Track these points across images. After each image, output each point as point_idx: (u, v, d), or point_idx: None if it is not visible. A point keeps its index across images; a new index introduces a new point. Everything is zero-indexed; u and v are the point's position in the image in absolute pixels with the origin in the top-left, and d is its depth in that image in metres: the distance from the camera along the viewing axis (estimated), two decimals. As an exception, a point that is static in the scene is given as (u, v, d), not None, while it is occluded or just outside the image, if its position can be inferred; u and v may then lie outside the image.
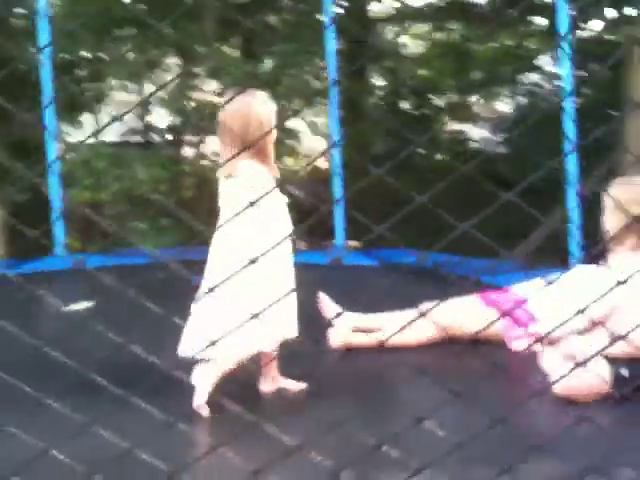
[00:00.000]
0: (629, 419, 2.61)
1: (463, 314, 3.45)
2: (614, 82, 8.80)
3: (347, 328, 3.42)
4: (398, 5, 10.70)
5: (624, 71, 7.04)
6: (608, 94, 8.28)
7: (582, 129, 4.61)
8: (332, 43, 5.23)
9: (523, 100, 10.67)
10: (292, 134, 8.32)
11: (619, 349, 2.83)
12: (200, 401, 2.62)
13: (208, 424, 2.56)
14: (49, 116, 5.58)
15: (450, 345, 3.29)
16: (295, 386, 2.85)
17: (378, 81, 10.62)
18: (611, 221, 3.05)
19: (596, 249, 5.32)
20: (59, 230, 5.44)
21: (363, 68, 9.94)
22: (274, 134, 2.60)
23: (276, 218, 2.56)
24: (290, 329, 2.70)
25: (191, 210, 6.28)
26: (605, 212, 3.08)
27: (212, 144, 9.23)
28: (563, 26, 4.63)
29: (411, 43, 11.19)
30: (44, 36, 5.29)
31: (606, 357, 2.84)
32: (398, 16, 10.81)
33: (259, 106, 2.52)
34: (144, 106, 7.35)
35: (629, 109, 6.67)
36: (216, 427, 2.53)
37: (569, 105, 4.60)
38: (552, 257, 4.77)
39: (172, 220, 6.11)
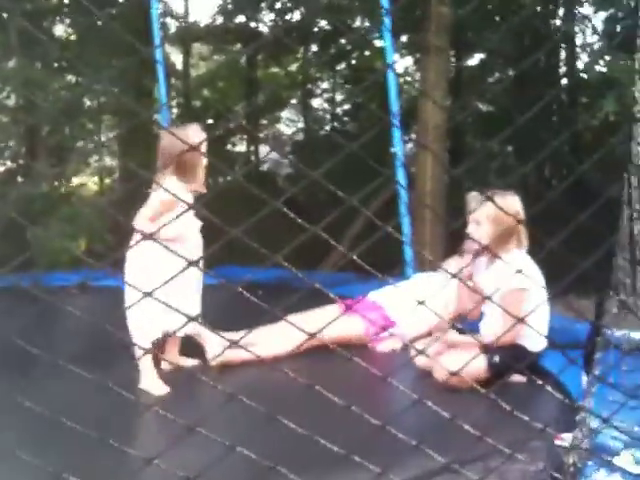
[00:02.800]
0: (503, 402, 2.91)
1: (327, 322, 3.63)
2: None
3: (222, 346, 3.46)
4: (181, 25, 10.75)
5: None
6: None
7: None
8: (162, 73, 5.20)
9: (307, 124, 11.21)
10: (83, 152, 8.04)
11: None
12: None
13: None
14: None
15: (319, 351, 3.47)
16: (191, 363, 3.41)
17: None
18: (488, 230, 3.42)
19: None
20: None
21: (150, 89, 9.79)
22: (203, 159, 3.11)
23: (188, 223, 3.14)
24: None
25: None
26: (479, 224, 3.43)
27: None
28: (391, 79, 5.02)
29: (197, 64, 11.29)
30: None
31: (480, 346, 3.16)
32: (183, 36, 10.80)
33: (193, 136, 2.98)
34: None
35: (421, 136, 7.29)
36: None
37: (397, 145, 5.01)
38: (389, 267, 5.12)
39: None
